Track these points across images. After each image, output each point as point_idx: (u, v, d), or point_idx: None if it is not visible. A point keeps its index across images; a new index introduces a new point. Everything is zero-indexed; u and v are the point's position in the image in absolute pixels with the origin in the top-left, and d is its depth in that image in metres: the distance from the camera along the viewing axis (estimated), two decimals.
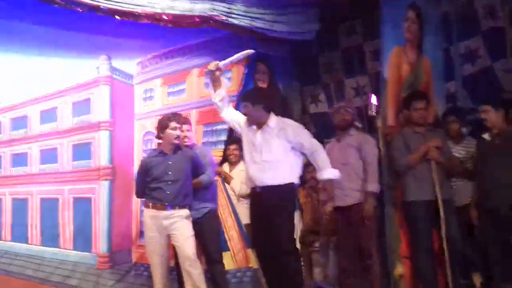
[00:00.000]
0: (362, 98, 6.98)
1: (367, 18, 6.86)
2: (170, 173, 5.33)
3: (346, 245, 5.76)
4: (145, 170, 5.44)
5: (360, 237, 5.66)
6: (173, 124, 5.42)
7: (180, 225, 5.28)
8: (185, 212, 5.33)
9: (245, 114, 5.15)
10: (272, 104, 5.24)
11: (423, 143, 5.39)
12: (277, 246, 4.88)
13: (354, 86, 7.16)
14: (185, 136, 5.61)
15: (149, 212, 5.39)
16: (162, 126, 5.47)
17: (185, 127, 5.63)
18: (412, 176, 5.42)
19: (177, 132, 5.42)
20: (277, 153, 5.01)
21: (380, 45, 6.29)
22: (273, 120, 5.12)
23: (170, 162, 5.37)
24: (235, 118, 5.31)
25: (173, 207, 5.31)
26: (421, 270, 5.35)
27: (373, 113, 5.89)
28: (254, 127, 5.17)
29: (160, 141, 5.55)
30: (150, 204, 5.37)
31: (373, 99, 5.94)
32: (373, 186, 5.64)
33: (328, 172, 5.06)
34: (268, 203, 4.94)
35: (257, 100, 5.11)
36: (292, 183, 5.02)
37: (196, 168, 5.50)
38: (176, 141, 5.42)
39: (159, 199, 5.32)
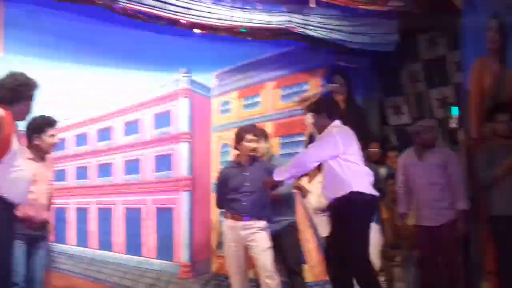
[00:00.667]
0: (446, 110, 6.88)
1: (448, 29, 6.77)
2: (247, 184, 5.43)
3: (432, 261, 5.67)
4: (223, 180, 5.59)
5: (447, 254, 5.59)
6: (249, 136, 5.52)
7: (257, 236, 5.35)
8: (262, 223, 5.40)
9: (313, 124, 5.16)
10: (334, 112, 5.16)
11: (510, 157, 5.27)
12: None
13: (438, 97, 7.05)
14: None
15: (227, 223, 5.52)
16: (239, 138, 5.58)
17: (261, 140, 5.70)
18: (498, 190, 5.30)
19: (253, 145, 5.51)
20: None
21: (461, 55, 6.22)
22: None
23: (246, 174, 5.48)
24: None
25: (250, 217, 5.40)
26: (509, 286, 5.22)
27: (455, 125, 5.81)
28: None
29: (238, 152, 5.66)
30: (229, 214, 5.50)
31: (455, 111, 5.87)
32: (464, 204, 5.54)
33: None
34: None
35: (319, 109, 5.10)
36: (347, 193, 4.74)
37: None
38: (252, 153, 5.52)
39: (237, 210, 5.43)
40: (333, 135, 4.85)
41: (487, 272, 5.47)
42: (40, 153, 5.27)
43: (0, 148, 4.12)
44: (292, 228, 5.82)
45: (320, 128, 5.04)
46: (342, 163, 4.79)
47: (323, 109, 5.06)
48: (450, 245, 5.58)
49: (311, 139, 6.49)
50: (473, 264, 5.56)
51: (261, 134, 5.75)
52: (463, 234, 5.55)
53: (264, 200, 5.45)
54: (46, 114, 5.34)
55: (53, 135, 5.28)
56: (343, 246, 4.75)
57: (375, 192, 4.87)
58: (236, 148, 5.69)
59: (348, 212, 4.72)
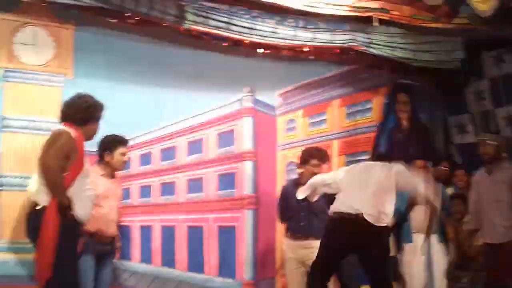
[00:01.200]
0: None
1: None
2: (305, 204, 5.45)
3: (495, 283, 5.53)
4: (283, 197, 5.85)
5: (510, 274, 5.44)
6: (314, 161, 5.73)
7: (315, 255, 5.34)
8: None
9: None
10: None
11: None
12: None
13: (504, 116, 6.88)
14: None
15: (287, 241, 5.55)
16: (304, 160, 5.79)
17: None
18: None
19: (317, 169, 5.67)
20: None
21: None
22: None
23: None
24: None
25: (308, 237, 5.44)
26: None
27: None
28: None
29: (301, 171, 5.72)
30: (289, 233, 5.55)
31: None
32: None
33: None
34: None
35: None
36: None
37: None
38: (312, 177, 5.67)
39: (295, 229, 5.49)
40: None
41: None
42: (111, 170, 5.43)
43: (75, 167, 4.26)
44: None
45: None
46: None
47: None
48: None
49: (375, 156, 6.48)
50: None
51: (324, 157, 5.77)
52: None
53: (323, 221, 5.44)
54: (117, 134, 5.50)
55: (123, 153, 5.46)
56: None
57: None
58: (299, 168, 5.78)
59: None
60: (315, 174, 5.67)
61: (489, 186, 5.64)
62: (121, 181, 5.73)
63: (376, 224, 4.94)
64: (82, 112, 4.47)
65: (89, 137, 4.64)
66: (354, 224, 4.95)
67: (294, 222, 5.65)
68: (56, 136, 4.26)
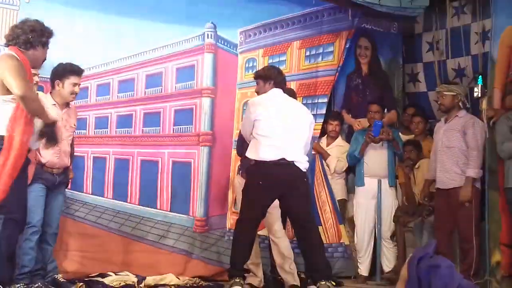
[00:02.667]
0: (463, 80, 6.79)
1: None
2: None
3: (443, 227, 5.70)
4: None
5: (459, 220, 5.59)
6: None
7: None
8: None
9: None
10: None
11: None
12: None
13: (455, 67, 6.95)
14: None
15: (240, 179, 5.82)
16: None
17: None
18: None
19: None
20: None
21: (489, 25, 6.09)
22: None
23: None
24: None
25: None
26: None
27: (478, 95, 5.75)
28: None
29: None
30: (241, 172, 5.80)
31: (479, 81, 5.79)
32: (473, 172, 5.56)
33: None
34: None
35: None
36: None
37: None
38: None
39: None
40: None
41: (500, 244, 5.42)
42: (62, 100, 5.31)
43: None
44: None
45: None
46: None
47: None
48: (459, 210, 5.61)
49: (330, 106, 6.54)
50: (487, 235, 5.51)
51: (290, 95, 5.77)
52: (466, 201, 5.57)
53: None
54: (72, 63, 5.37)
55: (75, 84, 5.31)
56: None
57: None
58: None
59: None
60: None
61: (444, 133, 5.78)
62: (75, 111, 5.64)
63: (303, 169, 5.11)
64: (25, 35, 4.33)
65: (35, 63, 4.51)
66: (287, 168, 5.02)
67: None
68: (8, 61, 4.14)
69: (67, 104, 5.38)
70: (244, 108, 6.86)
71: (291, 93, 5.84)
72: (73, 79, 5.29)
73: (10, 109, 4.12)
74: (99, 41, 6.45)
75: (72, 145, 5.52)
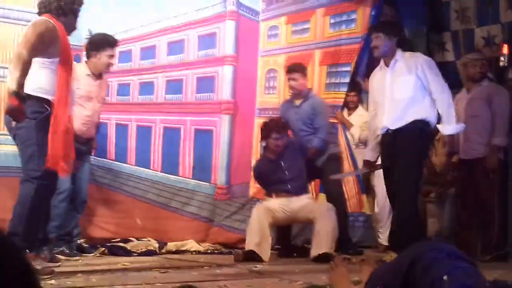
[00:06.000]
0: (492, 49, 6.66)
1: None
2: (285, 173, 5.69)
3: (467, 198, 5.66)
4: (261, 176, 5.96)
5: (482, 191, 5.54)
6: (274, 135, 5.67)
7: None
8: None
9: (374, 47, 5.03)
10: (403, 39, 5.12)
11: None
12: (399, 190, 4.82)
13: (484, 36, 6.81)
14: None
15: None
16: (264, 135, 5.80)
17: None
18: None
19: (279, 142, 5.68)
20: (407, 90, 4.85)
21: None
22: (401, 54, 4.97)
23: (281, 163, 5.71)
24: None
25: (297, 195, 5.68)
26: None
27: (505, 64, 5.67)
28: (381, 68, 5.07)
29: (265, 144, 5.91)
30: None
31: (505, 49, 5.70)
32: (499, 140, 5.48)
33: (450, 128, 4.91)
34: (397, 144, 4.85)
35: (390, 32, 4.99)
36: (425, 121, 4.84)
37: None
38: (277, 148, 5.70)
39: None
40: None
41: None
42: (97, 71, 5.31)
43: (63, 56, 4.13)
44: (335, 158, 5.96)
45: (383, 51, 5.00)
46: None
47: (392, 32, 5.02)
48: (483, 180, 5.53)
49: (354, 76, 6.47)
50: (509, 206, 5.47)
51: (283, 127, 5.76)
52: (493, 170, 5.47)
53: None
54: (108, 33, 5.37)
55: (111, 56, 5.33)
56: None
57: None
58: (263, 141, 5.96)
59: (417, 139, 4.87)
60: (278, 146, 5.69)
61: (467, 102, 5.66)
62: (107, 84, 5.65)
63: None
64: (57, 2, 4.29)
65: (67, 31, 4.50)
66: None
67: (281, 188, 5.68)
68: (35, 26, 4.12)
69: (100, 75, 5.38)
70: (268, 76, 6.86)
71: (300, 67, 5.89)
72: (109, 51, 5.30)
73: (50, 73, 4.09)
74: (120, 8, 6.44)
75: (99, 117, 5.54)
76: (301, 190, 5.70)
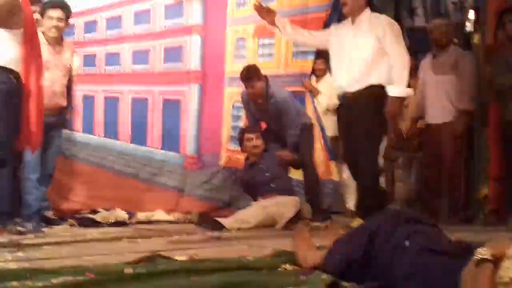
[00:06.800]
0: (462, 14, 6.68)
1: None
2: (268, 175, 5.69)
3: (433, 162, 5.71)
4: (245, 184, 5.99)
5: (448, 155, 5.60)
6: (248, 135, 5.72)
7: None
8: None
9: (344, 3, 4.88)
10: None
11: None
12: (359, 157, 4.83)
13: (454, 1, 6.83)
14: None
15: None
16: (240, 141, 5.84)
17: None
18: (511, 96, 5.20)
19: (254, 142, 5.71)
20: (366, 52, 4.74)
21: None
22: (368, 14, 4.86)
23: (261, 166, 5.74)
24: (318, 38, 5.19)
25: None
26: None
27: (471, 29, 5.69)
28: (345, 24, 5.05)
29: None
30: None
31: (471, 15, 5.72)
32: (466, 104, 5.51)
33: (396, 89, 4.69)
34: (354, 109, 4.79)
35: None
36: (382, 86, 4.71)
37: None
38: (255, 151, 5.74)
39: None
40: None
41: (489, 178, 5.46)
42: (48, 37, 5.12)
43: (29, 26, 4.05)
44: (307, 128, 5.96)
45: (350, 7, 4.84)
46: None
47: None
48: (449, 145, 5.57)
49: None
50: (476, 169, 5.54)
51: (257, 128, 5.82)
52: (460, 135, 5.52)
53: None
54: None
55: (57, 18, 5.05)
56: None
57: None
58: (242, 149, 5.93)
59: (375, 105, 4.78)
60: (256, 146, 5.72)
61: (433, 67, 5.69)
62: (72, 49, 5.47)
63: None
64: None
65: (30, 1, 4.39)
66: None
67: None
68: None
69: (59, 43, 5.21)
70: (237, 44, 6.80)
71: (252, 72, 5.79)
72: (51, 12, 5.02)
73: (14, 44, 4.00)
74: None
75: (70, 85, 5.39)
76: (286, 189, 5.69)
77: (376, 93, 4.72)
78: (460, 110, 5.51)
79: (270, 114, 5.81)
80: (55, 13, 5.05)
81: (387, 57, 4.72)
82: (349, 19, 4.96)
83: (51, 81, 5.06)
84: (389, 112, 4.75)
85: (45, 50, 4.96)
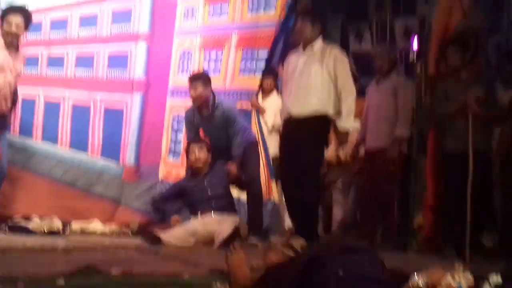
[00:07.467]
0: (408, 40, 6.81)
1: None
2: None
3: (368, 188, 5.77)
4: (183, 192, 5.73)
5: (382, 181, 5.66)
6: (192, 147, 5.62)
7: None
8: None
9: (298, 30, 5.05)
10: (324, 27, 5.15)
11: (464, 94, 5.13)
12: (300, 179, 4.87)
13: (402, 27, 6.94)
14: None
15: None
16: (186, 154, 5.72)
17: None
18: (450, 126, 5.29)
19: (197, 153, 5.59)
20: (315, 79, 4.90)
21: None
22: (319, 43, 5.03)
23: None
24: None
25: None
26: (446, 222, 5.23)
27: (413, 58, 5.79)
28: (297, 52, 5.11)
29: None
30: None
31: (414, 44, 5.82)
32: (401, 131, 5.58)
33: (345, 123, 4.92)
34: (299, 134, 4.89)
35: (315, 19, 5.03)
36: (326, 115, 4.90)
37: None
38: (196, 164, 5.63)
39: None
40: None
41: (425, 206, 5.53)
42: (5, 41, 5.16)
43: None
44: (252, 145, 5.90)
45: (303, 36, 5.02)
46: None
47: (318, 19, 5.06)
48: (384, 171, 5.59)
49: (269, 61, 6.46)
50: (412, 196, 5.62)
51: (204, 145, 5.70)
52: (393, 161, 5.55)
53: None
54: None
55: (17, 24, 5.17)
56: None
57: None
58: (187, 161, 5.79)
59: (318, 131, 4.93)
60: (199, 159, 5.60)
61: (375, 93, 5.78)
62: (23, 57, 5.45)
63: None
64: None
65: None
66: None
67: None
68: None
69: (15, 47, 5.20)
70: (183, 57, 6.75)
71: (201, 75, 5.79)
72: (12, 18, 5.15)
73: None
74: None
75: (15, 92, 5.34)
76: (226, 208, 5.59)
77: (320, 119, 4.88)
78: (395, 137, 5.60)
79: (216, 125, 5.69)
80: (14, 18, 5.13)
81: (334, 87, 4.89)
82: (300, 46, 5.09)
83: (2, 84, 5.03)
84: (338, 143, 5.06)
85: (2, 54, 5.03)
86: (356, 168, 6.18)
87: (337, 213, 6.41)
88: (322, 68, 4.90)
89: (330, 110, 4.91)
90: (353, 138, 5.95)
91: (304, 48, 5.04)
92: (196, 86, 5.59)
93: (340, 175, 6.41)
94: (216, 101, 5.69)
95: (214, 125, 5.71)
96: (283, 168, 5.26)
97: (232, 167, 5.60)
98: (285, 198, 5.31)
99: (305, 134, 4.86)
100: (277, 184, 6.52)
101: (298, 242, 4.29)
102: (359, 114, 5.88)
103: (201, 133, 5.81)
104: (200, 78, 5.66)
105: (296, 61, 5.07)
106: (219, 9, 6.93)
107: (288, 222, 6.24)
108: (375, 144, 5.71)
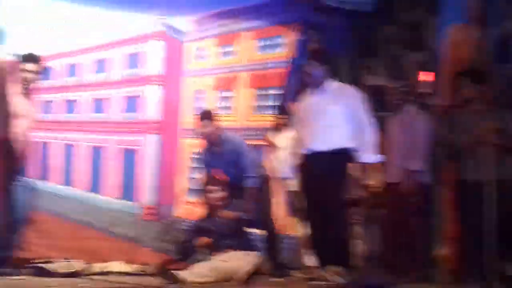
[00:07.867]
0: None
1: None
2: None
3: (390, 221, 5.80)
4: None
5: (402, 213, 5.68)
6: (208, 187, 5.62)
7: None
8: None
9: (306, 74, 5.15)
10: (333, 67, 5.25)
11: (479, 125, 5.24)
12: (325, 214, 4.91)
13: (415, 61, 7.01)
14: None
15: None
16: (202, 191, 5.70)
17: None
18: (467, 156, 5.35)
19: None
20: (332, 118, 4.98)
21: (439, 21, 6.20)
22: (331, 83, 5.13)
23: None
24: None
25: None
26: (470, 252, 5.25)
27: (426, 91, 5.86)
28: (311, 92, 5.19)
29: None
30: None
31: (425, 77, 5.89)
32: (415, 164, 5.64)
33: (367, 157, 5.02)
34: (319, 171, 4.95)
35: (322, 60, 5.13)
36: (347, 148, 4.98)
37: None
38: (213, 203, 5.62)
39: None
40: None
41: (446, 238, 5.55)
42: (25, 89, 5.26)
43: None
44: (264, 180, 5.99)
45: (314, 79, 5.11)
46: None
47: (325, 62, 5.15)
48: (404, 204, 5.66)
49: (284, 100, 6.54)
50: (432, 229, 5.64)
51: (205, 116, 5.76)
52: (409, 194, 5.62)
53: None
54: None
55: (31, 71, 5.30)
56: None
57: None
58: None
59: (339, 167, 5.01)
60: (218, 198, 5.61)
61: (392, 127, 5.85)
62: (40, 101, 5.57)
63: None
64: None
65: None
66: None
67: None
68: None
69: (29, 93, 5.34)
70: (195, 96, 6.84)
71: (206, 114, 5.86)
72: (26, 66, 5.27)
73: None
74: (46, 24, 6.32)
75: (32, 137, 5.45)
76: (244, 245, 5.57)
77: (341, 153, 4.96)
78: (408, 170, 5.65)
79: (227, 160, 5.78)
80: (28, 66, 5.27)
81: (352, 122, 4.99)
82: (313, 84, 5.19)
83: (20, 130, 5.11)
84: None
85: (21, 100, 5.14)
86: (376, 201, 6.20)
87: (359, 246, 6.42)
88: (338, 106, 5.00)
89: (351, 144, 4.98)
90: (377, 170, 6.01)
91: (316, 87, 5.14)
92: (206, 124, 5.70)
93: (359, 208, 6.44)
94: (224, 136, 5.80)
95: (224, 160, 5.78)
96: (308, 204, 5.26)
97: (229, 214, 5.62)
98: (312, 233, 5.30)
99: (330, 168, 4.91)
100: (296, 219, 6.54)
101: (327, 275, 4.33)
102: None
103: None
104: (208, 116, 5.77)
105: (310, 100, 5.16)
106: (228, 49, 7.06)
107: (308, 257, 6.26)
108: (393, 178, 5.76)
